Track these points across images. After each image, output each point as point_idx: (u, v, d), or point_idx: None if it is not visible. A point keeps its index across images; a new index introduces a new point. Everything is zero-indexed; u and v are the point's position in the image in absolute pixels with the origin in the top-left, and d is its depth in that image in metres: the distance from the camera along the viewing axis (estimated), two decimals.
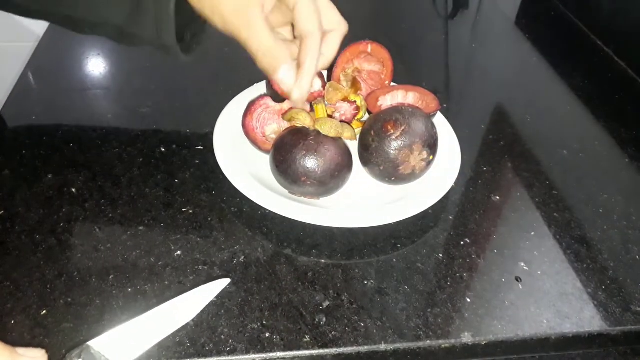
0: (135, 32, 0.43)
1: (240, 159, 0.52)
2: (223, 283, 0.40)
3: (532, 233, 0.50)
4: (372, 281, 0.44)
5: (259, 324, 0.40)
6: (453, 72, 0.75)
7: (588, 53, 0.82)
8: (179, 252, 0.45)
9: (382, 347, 0.39)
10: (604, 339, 0.43)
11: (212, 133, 0.54)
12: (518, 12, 0.94)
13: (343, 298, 0.42)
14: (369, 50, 0.58)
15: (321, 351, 0.39)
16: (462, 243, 0.48)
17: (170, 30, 0.41)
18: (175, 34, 0.42)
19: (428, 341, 0.40)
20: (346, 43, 0.57)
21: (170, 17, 0.41)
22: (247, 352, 0.38)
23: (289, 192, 0.49)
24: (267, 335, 0.39)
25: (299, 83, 0.41)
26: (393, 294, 0.43)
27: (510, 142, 0.61)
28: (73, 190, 0.49)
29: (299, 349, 0.39)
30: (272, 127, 0.53)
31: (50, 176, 0.51)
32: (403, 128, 0.47)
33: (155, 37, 0.42)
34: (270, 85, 0.54)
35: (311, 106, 0.54)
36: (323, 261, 0.45)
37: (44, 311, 0.39)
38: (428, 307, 0.42)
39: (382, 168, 0.48)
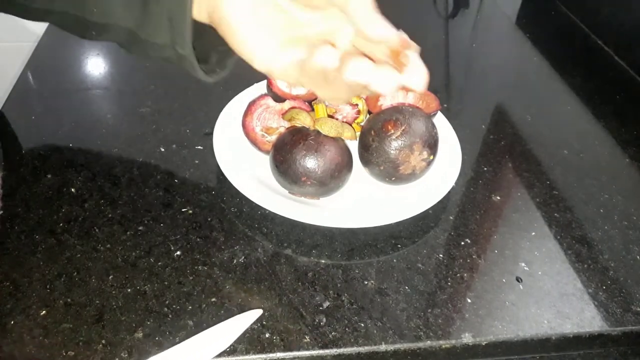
0: (147, 36, 0.36)
1: (240, 159, 0.52)
2: (256, 314, 0.40)
3: (533, 233, 0.50)
4: (372, 281, 0.44)
5: (259, 324, 0.40)
6: (453, 72, 0.75)
7: (588, 53, 0.82)
8: (178, 252, 0.45)
9: (382, 347, 0.39)
10: (605, 339, 0.43)
11: (212, 133, 0.54)
12: (518, 12, 0.94)
13: (343, 298, 0.42)
14: None
15: (321, 351, 0.39)
16: (462, 243, 0.48)
17: (186, 34, 0.35)
18: (200, 53, 0.37)
19: (428, 341, 0.40)
20: None
21: (187, 17, 0.34)
22: (247, 352, 0.38)
23: (289, 192, 0.49)
24: (267, 335, 0.39)
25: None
26: (393, 294, 0.43)
27: (511, 142, 0.61)
28: (73, 190, 0.49)
29: (299, 349, 0.39)
30: (271, 125, 0.53)
31: (50, 176, 0.51)
32: (403, 128, 0.47)
33: (169, 44, 0.36)
34: (270, 86, 0.54)
35: (311, 106, 0.54)
36: (323, 261, 0.45)
37: (44, 311, 0.39)
38: (428, 307, 0.42)
39: (382, 168, 0.48)
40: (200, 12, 0.35)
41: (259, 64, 0.35)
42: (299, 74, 0.35)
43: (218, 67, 0.41)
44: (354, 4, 0.33)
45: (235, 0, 0.33)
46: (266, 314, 0.40)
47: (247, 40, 0.34)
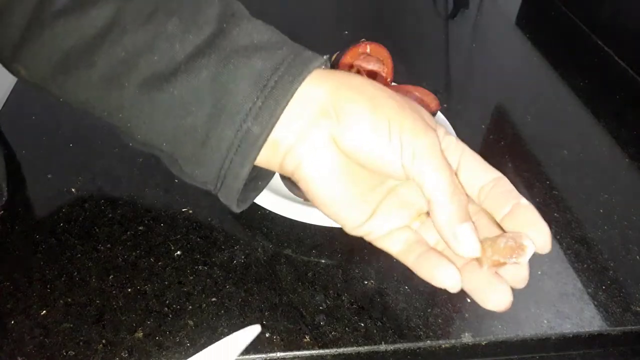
0: (190, 172, 0.33)
1: None
2: (255, 330, 0.38)
3: None
4: (372, 281, 0.44)
5: (259, 324, 0.40)
6: (453, 72, 0.75)
7: (588, 53, 0.82)
8: (178, 252, 0.45)
9: (382, 347, 0.39)
10: (604, 339, 0.43)
11: None
12: (518, 12, 0.94)
13: (343, 298, 0.42)
14: (368, 50, 0.58)
15: (321, 351, 0.39)
16: None
17: (233, 193, 0.32)
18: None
19: (428, 341, 0.40)
20: (346, 45, 0.57)
21: (240, 180, 0.31)
22: (247, 352, 0.38)
23: (297, 196, 0.49)
24: (267, 335, 0.39)
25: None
26: (393, 294, 0.43)
27: (511, 142, 0.61)
28: (73, 190, 0.49)
29: (299, 349, 0.39)
30: None
31: (50, 176, 0.51)
32: None
33: (212, 187, 0.33)
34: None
35: None
36: (323, 261, 0.45)
37: (44, 311, 0.39)
38: (428, 307, 0.42)
39: None
40: (273, 167, 0.32)
41: (351, 232, 0.32)
42: (404, 254, 0.31)
43: (253, 190, 0.38)
44: (440, 216, 0.28)
45: (317, 160, 0.30)
46: (266, 313, 0.40)
47: (336, 206, 0.32)
